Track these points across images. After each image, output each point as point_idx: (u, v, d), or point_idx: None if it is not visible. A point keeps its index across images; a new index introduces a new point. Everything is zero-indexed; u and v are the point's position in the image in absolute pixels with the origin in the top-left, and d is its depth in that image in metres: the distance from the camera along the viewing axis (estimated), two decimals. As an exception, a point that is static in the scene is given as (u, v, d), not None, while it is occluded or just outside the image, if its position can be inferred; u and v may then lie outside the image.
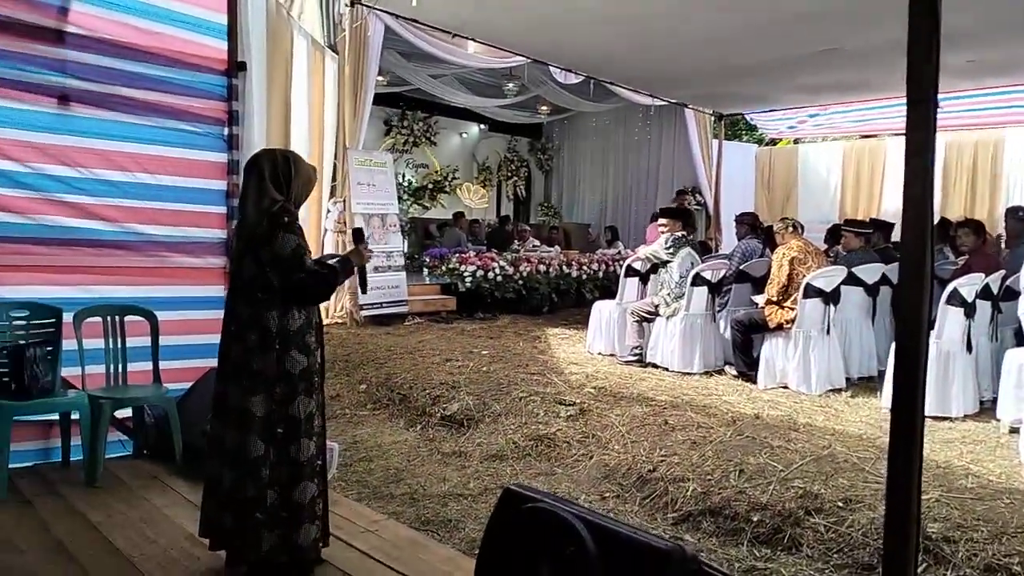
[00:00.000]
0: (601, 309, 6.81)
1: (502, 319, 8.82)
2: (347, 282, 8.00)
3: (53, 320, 4.01)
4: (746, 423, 4.66)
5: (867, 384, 5.82)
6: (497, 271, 9.38)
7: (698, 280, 6.03)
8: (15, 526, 3.25)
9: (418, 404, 5.52)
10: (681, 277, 6.10)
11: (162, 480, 3.92)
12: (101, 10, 4.22)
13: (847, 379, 5.83)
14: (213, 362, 4.66)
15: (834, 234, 7.35)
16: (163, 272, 4.56)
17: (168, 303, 4.52)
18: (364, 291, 3.18)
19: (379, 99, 13.15)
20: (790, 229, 5.82)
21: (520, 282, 9.62)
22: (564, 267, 10.30)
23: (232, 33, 4.75)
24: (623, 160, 15.01)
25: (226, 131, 4.74)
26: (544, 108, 14.03)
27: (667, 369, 6.11)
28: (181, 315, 4.61)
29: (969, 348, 4.92)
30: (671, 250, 6.20)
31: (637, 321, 6.26)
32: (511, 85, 12.15)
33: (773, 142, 14.78)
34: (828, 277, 5.51)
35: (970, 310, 4.89)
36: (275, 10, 5.80)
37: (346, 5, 8.18)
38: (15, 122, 3.97)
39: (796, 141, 14.07)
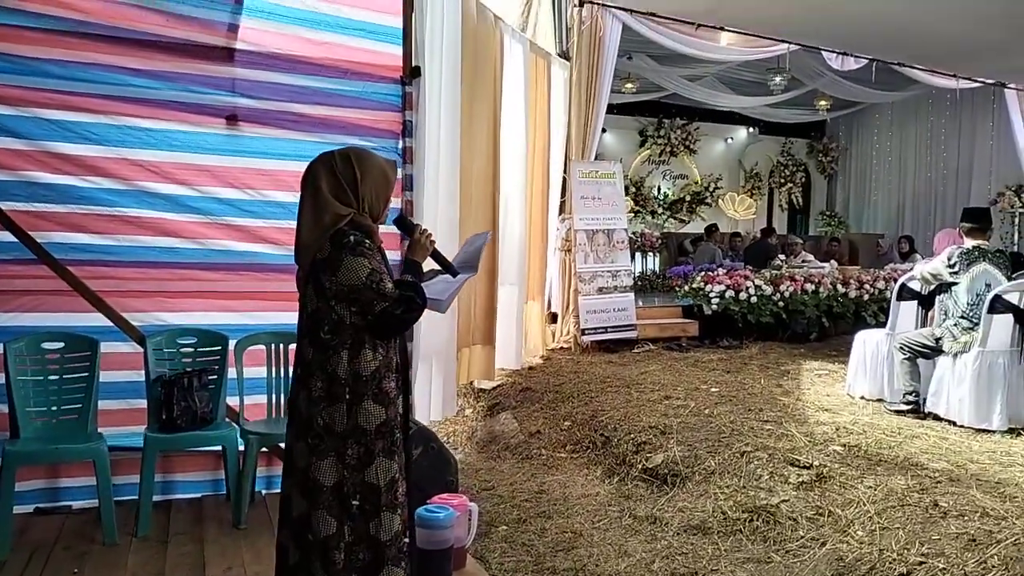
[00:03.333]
0: (866, 340, 5.39)
1: (750, 348, 7.58)
2: (570, 304, 7.47)
3: (219, 348, 3.87)
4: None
5: None
6: (751, 291, 8.15)
7: (999, 306, 4.45)
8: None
9: (619, 451, 4.69)
10: (971, 303, 4.56)
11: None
12: (270, 23, 4.05)
13: None
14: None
15: None
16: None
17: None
18: (454, 275, 2.50)
19: (632, 108, 12.54)
20: None
21: (780, 304, 8.28)
22: (839, 286, 8.71)
23: (407, 37, 4.39)
24: (924, 158, 12.70)
25: (400, 144, 4.36)
26: (823, 103, 12.36)
27: (953, 423, 4.59)
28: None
29: None
30: (955, 267, 4.67)
31: (908, 358, 4.81)
32: (778, 79, 10.76)
33: None
34: None
35: None
36: (476, 13, 5.40)
37: (574, 6, 7.63)
38: (184, 145, 3.91)
39: None
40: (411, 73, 4.35)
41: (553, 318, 7.77)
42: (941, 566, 2.91)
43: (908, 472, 3.81)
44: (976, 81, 10.17)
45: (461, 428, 5.72)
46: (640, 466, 4.45)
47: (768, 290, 8.26)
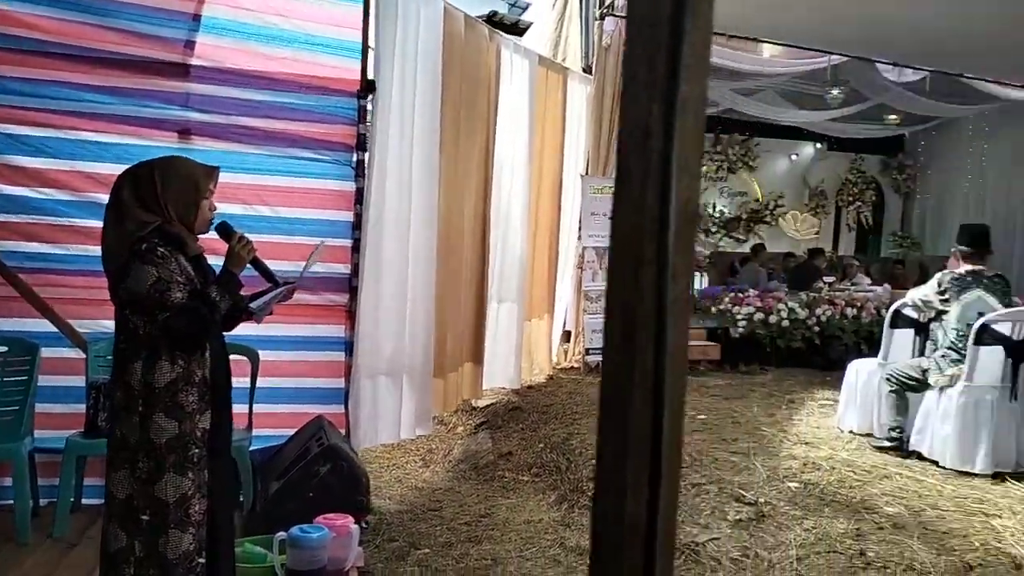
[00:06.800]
0: (859, 370, 4.98)
1: (771, 374, 7.18)
2: (579, 323, 7.28)
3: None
4: (989, 575, 2.82)
5: None
6: (784, 314, 7.74)
7: (987, 336, 4.01)
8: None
9: (576, 476, 4.51)
10: (961, 333, 4.13)
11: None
12: (227, 39, 4.15)
13: None
14: (327, 409, 4.37)
15: None
16: (277, 310, 4.31)
17: (281, 343, 4.26)
18: (277, 284, 2.48)
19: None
20: None
21: (816, 329, 7.82)
22: (883, 311, 8.13)
23: (365, 52, 4.40)
24: (1007, 176, 11.75)
25: (354, 157, 4.37)
26: (892, 117, 11.67)
27: (936, 464, 4.16)
28: (295, 356, 4.34)
29: None
30: (945, 294, 4.25)
31: (895, 391, 4.40)
32: (835, 92, 10.22)
33: None
34: None
35: None
36: (464, 29, 5.35)
37: (595, 19, 7.50)
38: (136, 158, 3.92)
39: None
40: (367, 87, 4.36)
41: (567, 337, 7.61)
42: (837, 624, 2.63)
43: (855, 516, 3.48)
44: (1058, 91, 9.35)
45: (441, 446, 5.64)
46: (591, 493, 4.26)
47: (803, 314, 7.82)
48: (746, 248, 11.92)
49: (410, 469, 5.13)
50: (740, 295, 8.03)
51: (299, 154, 4.29)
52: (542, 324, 7.02)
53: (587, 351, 6.86)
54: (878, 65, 8.84)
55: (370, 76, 4.37)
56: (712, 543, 3.44)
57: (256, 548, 3.09)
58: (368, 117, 4.38)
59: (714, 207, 12.60)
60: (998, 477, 3.99)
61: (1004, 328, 4.04)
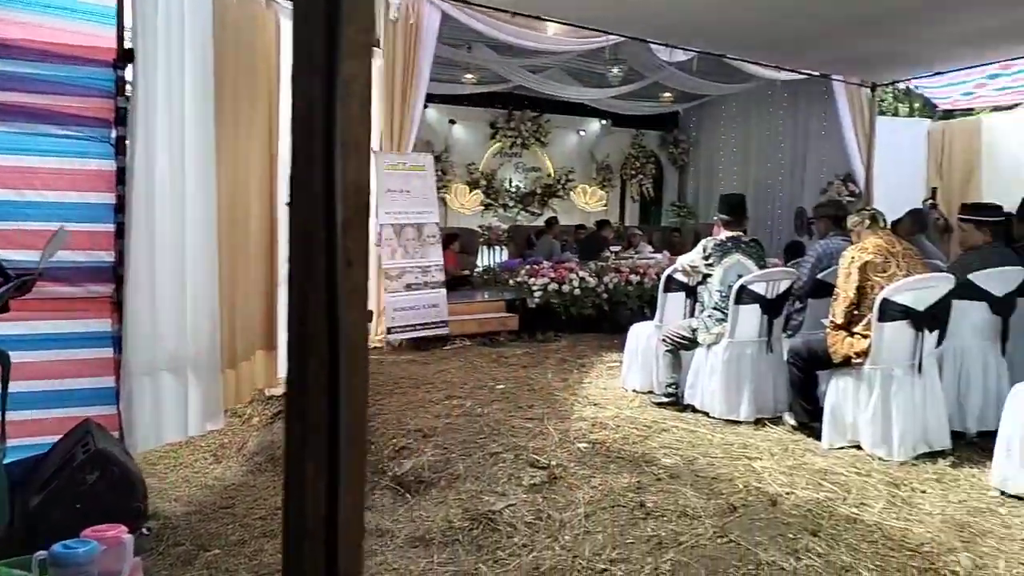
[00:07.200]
0: (639, 334, 5.36)
1: (565, 340, 7.52)
2: (381, 301, 7.20)
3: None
4: (751, 512, 3.15)
5: (989, 444, 3.92)
6: (575, 283, 8.10)
7: (745, 296, 4.45)
8: None
9: (376, 457, 4.46)
10: (724, 294, 4.55)
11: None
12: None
13: (963, 434, 4.04)
14: (96, 410, 4.00)
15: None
16: (30, 305, 3.86)
17: (37, 341, 3.82)
18: (6, 277, 2.22)
19: (483, 100, 12.37)
20: (867, 223, 4.10)
21: (604, 296, 8.27)
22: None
23: (121, 18, 3.99)
24: (764, 150, 13.03)
25: (113, 133, 3.97)
26: (667, 95, 12.50)
27: (707, 415, 4.58)
28: (55, 355, 3.91)
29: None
30: (710, 259, 4.66)
31: (669, 350, 4.78)
32: (615, 70, 10.77)
33: (950, 115, 12.14)
34: (920, 290, 3.76)
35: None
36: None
37: (382, -8, 7.34)
38: None
39: (972, 111, 11.47)
40: (123, 57, 3.97)
41: (369, 317, 7.49)
42: (620, 573, 2.81)
43: (637, 469, 3.74)
44: (804, 73, 10.43)
45: (234, 439, 5.36)
46: (391, 473, 4.24)
47: (592, 282, 8.24)
48: (541, 221, 12.37)
49: (200, 467, 4.83)
50: (535, 267, 8.31)
51: (47, 131, 3.82)
52: (340, 305, 6.84)
53: (389, 330, 6.80)
54: (651, 46, 9.39)
55: (128, 44, 3.98)
56: (508, 510, 3.54)
57: (13, 571, 2.76)
58: (127, 89, 3.99)
59: (510, 182, 12.92)
60: (759, 423, 4.45)
61: (759, 288, 4.49)
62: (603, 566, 2.90)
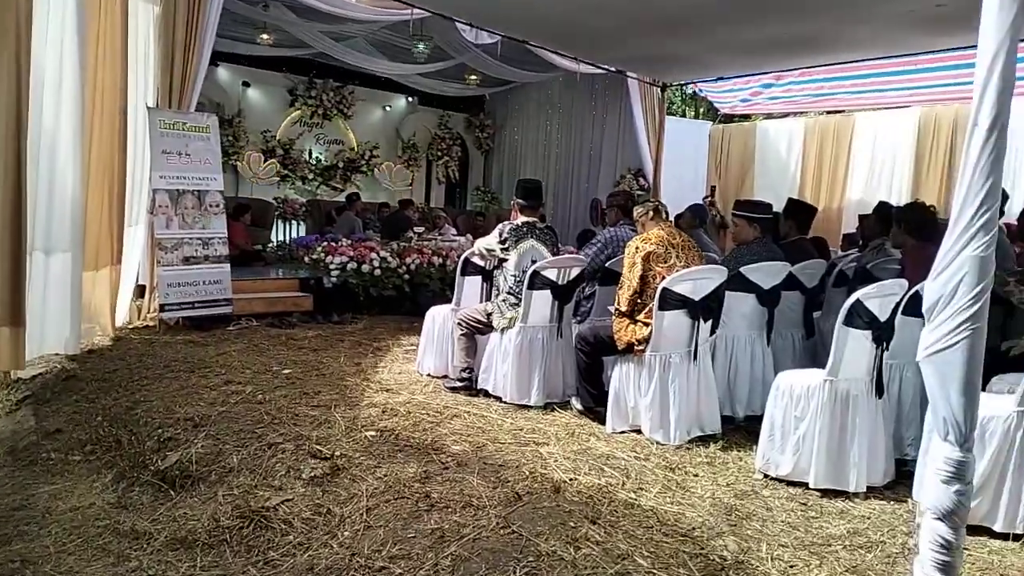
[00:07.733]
0: (435, 316, 5.26)
1: (362, 323, 7.27)
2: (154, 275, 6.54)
3: None
4: (535, 501, 3.14)
5: (755, 427, 4.24)
6: (376, 263, 7.84)
7: (538, 281, 4.48)
8: None
9: (137, 450, 4.00)
10: (519, 279, 4.56)
11: None
12: None
13: (732, 419, 4.33)
14: None
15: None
16: None
17: None
18: None
19: (282, 63, 11.65)
20: (651, 215, 4.27)
21: (406, 277, 8.08)
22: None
23: None
24: (565, 140, 13.41)
25: None
26: (472, 78, 12.45)
27: (500, 399, 4.58)
28: None
29: (880, 391, 3.42)
30: (506, 243, 4.64)
31: (465, 334, 4.72)
32: (421, 46, 10.52)
33: (730, 120, 13.19)
34: (696, 280, 3.96)
35: (881, 333, 3.37)
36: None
37: (164, -66, 6.61)
38: None
39: (749, 117, 12.52)
40: None
41: (141, 292, 6.78)
42: (399, 571, 2.67)
43: (425, 458, 3.62)
44: (601, 68, 10.78)
45: (-37, 429, 4.61)
46: (153, 468, 3.81)
47: (394, 262, 8.02)
48: (342, 197, 11.91)
49: (-88, 464, 4.08)
50: (334, 244, 7.95)
51: None
52: (106, 276, 6.10)
53: (162, 307, 6.18)
54: (458, 26, 9.26)
55: None
56: (284, 505, 3.29)
57: None
58: None
59: (310, 154, 12.32)
60: (548, 407, 4.50)
61: (551, 274, 4.53)
62: (382, 563, 2.75)
